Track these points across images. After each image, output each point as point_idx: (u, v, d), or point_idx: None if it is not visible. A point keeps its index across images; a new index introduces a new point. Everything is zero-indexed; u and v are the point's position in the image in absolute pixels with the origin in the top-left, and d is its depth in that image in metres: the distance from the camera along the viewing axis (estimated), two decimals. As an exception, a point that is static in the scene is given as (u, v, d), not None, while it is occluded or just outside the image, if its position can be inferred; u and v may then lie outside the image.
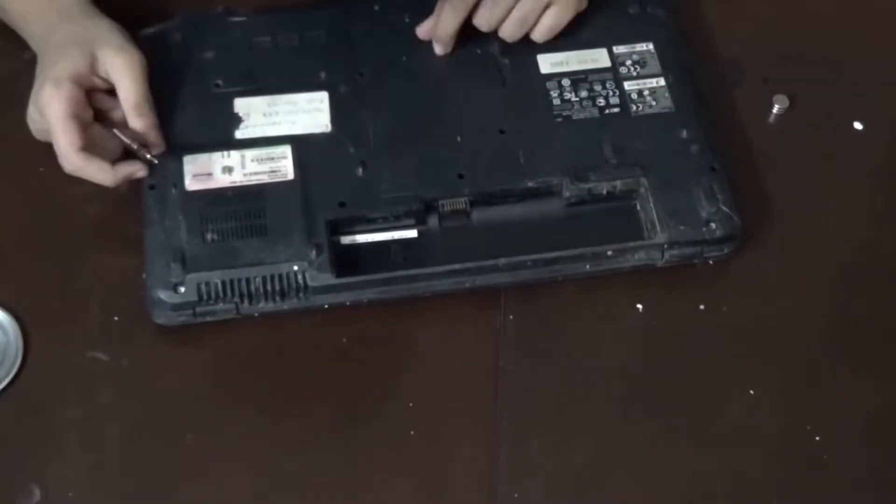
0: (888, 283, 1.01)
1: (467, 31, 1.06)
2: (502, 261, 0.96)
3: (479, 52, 1.06)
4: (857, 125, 1.08)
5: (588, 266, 0.98)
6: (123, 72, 0.97)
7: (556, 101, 1.03)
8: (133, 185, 0.98)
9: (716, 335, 0.98)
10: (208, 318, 0.95)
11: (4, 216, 1.01)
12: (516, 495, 0.91)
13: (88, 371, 0.94)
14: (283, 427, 0.93)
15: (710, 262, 0.99)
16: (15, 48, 1.05)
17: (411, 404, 0.94)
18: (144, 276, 0.95)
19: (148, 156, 0.98)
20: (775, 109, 1.07)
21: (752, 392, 0.95)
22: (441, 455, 0.92)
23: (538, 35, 1.05)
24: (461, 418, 0.94)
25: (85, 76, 0.96)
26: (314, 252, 0.95)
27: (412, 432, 0.93)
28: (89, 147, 0.95)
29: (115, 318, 0.96)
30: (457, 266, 0.96)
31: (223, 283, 0.94)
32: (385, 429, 0.93)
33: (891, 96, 1.10)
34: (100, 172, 0.96)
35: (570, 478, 0.92)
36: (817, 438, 0.94)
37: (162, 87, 1.01)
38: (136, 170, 0.98)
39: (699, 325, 0.98)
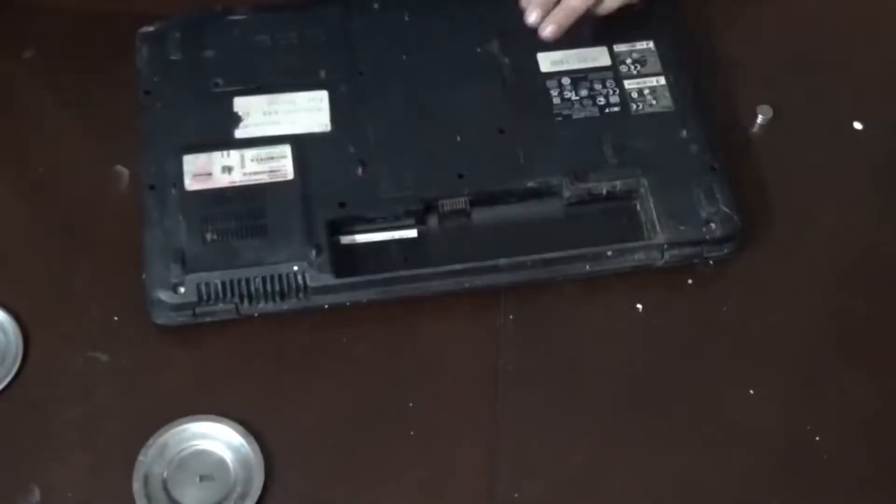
0: (888, 283, 1.01)
1: (466, 30, 1.06)
2: (502, 261, 0.96)
3: (478, 50, 1.06)
4: (857, 125, 1.08)
5: (588, 266, 0.98)
6: None
7: (557, 100, 1.03)
8: (133, 185, 0.98)
9: (716, 335, 0.98)
10: (208, 319, 0.95)
11: (4, 216, 1.01)
12: (516, 495, 0.91)
13: (88, 371, 0.94)
14: (283, 427, 0.93)
15: (710, 262, 0.99)
16: (15, 48, 1.05)
17: (411, 404, 0.94)
18: (144, 276, 0.95)
19: None
20: (759, 119, 1.07)
21: (751, 392, 0.95)
22: (441, 455, 0.92)
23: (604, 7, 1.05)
24: (461, 418, 0.93)
25: None
26: (314, 252, 0.95)
27: (412, 432, 0.93)
28: None
29: (115, 318, 0.96)
30: (457, 266, 0.96)
31: (223, 283, 0.94)
32: (385, 429, 0.93)
33: (891, 96, 1.10)
34: None
35: (570, 478, 0.92)
36: (817, 438, 0.94)
37: (161, 87, 1.02)
38: None
39: (699, 325, 0.98)
